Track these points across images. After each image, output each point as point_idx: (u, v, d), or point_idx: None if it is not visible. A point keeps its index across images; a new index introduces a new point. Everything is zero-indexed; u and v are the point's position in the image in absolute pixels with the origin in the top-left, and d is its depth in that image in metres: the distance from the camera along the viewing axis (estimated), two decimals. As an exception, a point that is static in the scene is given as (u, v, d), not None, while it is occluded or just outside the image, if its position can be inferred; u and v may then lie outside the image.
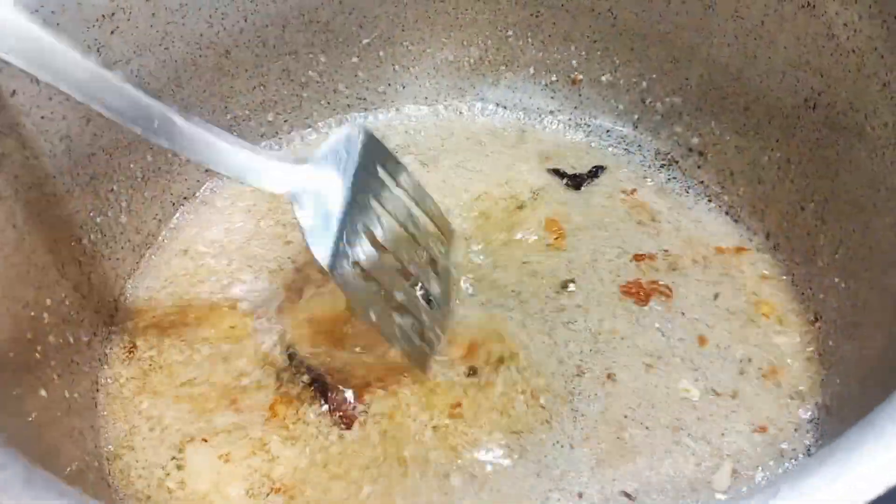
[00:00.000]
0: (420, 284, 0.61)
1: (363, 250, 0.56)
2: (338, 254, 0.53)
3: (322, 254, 0.52)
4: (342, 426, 0.57)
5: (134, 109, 0.49)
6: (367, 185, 0.57)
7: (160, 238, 0.69)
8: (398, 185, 0.61)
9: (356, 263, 0.55)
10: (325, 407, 0.58)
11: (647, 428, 0.58)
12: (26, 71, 0.45)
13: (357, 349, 0.61)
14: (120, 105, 0.48)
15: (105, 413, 0.59)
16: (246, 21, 0.69)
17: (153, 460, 0.56)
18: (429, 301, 0.62)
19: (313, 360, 0.61)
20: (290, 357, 0.61)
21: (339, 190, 0.55)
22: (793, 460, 0.56)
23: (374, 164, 0.58)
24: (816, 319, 0.62)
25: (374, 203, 0.58)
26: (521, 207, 0.71)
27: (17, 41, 0.45)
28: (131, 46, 0.61)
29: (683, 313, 0.64)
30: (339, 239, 0.53)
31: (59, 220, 0.57)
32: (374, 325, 0.56)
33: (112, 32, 0.59)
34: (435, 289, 0.62)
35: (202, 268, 0.67)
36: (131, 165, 0.65)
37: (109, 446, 0.57)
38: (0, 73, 0.50)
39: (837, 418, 0.56)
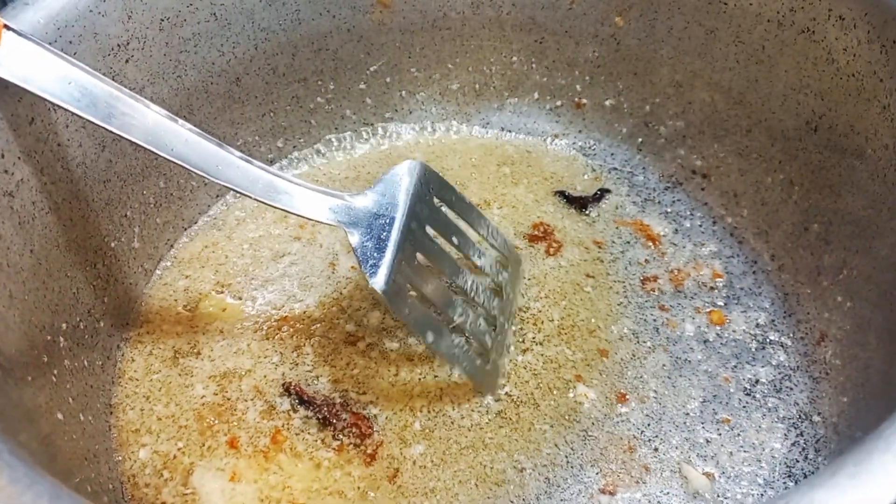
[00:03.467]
0: (480, 307, 0.61)
1: (419, 275, 0.56)
2: (392, 279, 0.53)
3: (375, 278, 0.53)
4: (357, 448, 0.58)
5: (198, 155, 0.52)
6: (423, 214, 0.58)
7: (170, 261, 0.70)
8: (455, 213, 0.62)
9: (411, 286, 0.55)
10: (334, 431, 0.59)
11: (655, 449, 0.58)
12: (102, 126, 0.50)
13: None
14: (185, 152, 0.52)
15: (116, 436, 0.59)
16: (257, 49, 0.70)
17: (165, 484, 0.57)
18: (492, 324, 0.62)
19: (319, 389, 0.61)
20: (288, 389, 0.61)
21: (393, 218, 0.56)
22: (804, 479, 0.57)
23: (429, 194, 0.59)
24: (822, 339, 0.62)
25: (430, 230, 0.58)
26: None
27: (92, 99, 0.49)
28: (145, 74, 0.62)
29: (690, 335, 0.65)
30: (393, 264, 0.54)
31: (74, 245, 0.58)
32: (430, 347, 0.56)
33: (127, 61, 0.60)
34: (495, 312, 0.62)
35: (208, 289, 0.67)
36: (144, 192, 0.66)
37: (121, 469, 0.58)
38: (19, 102, 0.51)
39: (846, 436, 0.56)
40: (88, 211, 0.59)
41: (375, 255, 0.54)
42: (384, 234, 0.55)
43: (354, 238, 0.55)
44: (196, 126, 0.68)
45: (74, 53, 0.56)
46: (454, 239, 0.61)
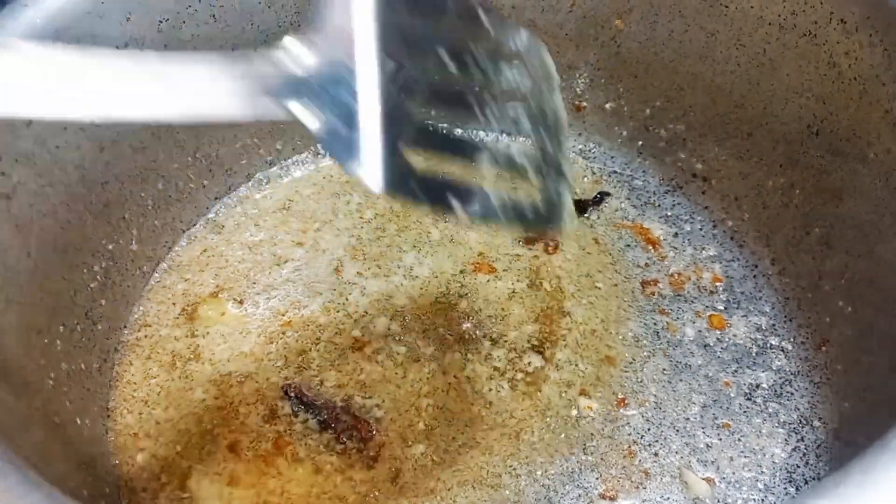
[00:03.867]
0: (511, 135, 0.46)
1: (418, 135, 0.41)
2: (387, 164, 0.38)
3: (371, 175, 0.38)
4: (360, 453, 0.58)
5: None
6: (398, 33, 0.40)
7: (169, 264, 0.69)
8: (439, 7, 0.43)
9: (412, 154, 0.40)
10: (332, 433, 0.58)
11: (655, 454, 0.58)
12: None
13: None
14: None
15: (113, 440, 0.59)
16: (256, 52, 0.70)
17: (162, 488, 0.56)
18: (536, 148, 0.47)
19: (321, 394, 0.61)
20: (287, 391, 0.61)
21: (358, 62, 0.38)
22: (804, 485, 0.56)
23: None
24: (823, 343, 0.62)
25: (415, 57, 0.41)
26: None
27: None
28: (144, 76, 0.62)
29: (690, 339, 0.64)
30: (386, 139, 0.38)
31: (72, 248, 0.57)
32: (470, 219, 0.42)
33: (125, 63, 0.60)
34: (534, 132, 0.46)
35: (208, 293, 0.67)
36: (142, 194, 0.65)
37: (118, 474, 0.57)
38: (17, 104, 0.51)
39: (847, 442, 0.56)
40: (86, 214, 0.59)
41: (349, 132, 0.37)
42: (358, 96, 0.38)
43: (313, 122, 0.37)
44: (194, 126, 0.69)
45: (73, 55, 0.55)
46: (448, 50, 0.42)
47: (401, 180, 0.39)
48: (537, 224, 0.47)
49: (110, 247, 0.62)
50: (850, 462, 0.32)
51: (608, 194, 0.75)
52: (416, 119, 0.41)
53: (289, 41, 0.37)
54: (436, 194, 0.41)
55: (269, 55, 0.37)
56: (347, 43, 0.37)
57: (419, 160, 0.41)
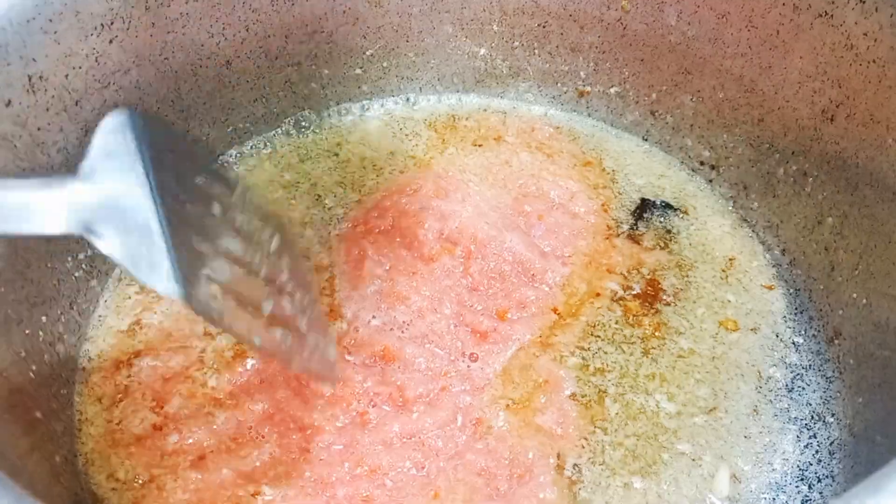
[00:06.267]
0: (285, 286, 0.50)
1: (208, 263, 0.44)
2: (185, 277, 0.41)
3: (165, 283, 0.40)
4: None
5: None
6: (171, 184, 0.43)
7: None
8: (199, 176, 0.47)
9: (209, 280, 0.44)
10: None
11: (667, 446, 0.56)
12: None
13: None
14: None
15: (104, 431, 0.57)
16: (248, 31, 0.67)
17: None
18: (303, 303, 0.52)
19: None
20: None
21: (141, 199, 0.41)
22: (816, 483, 0.54)
23: (166, 155, 0.43)
24: (835, 337, 0.60)
25: (190, 207, 0.45)
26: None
27: None
28: (130, 56, 0.59)
29: (701, 328, 0.62)
30: (177, 257, 0.41)
31: (54, 236, 0.55)
32: (265, 351, 0.48)
33: (111, 42, 0.57)
34: (300, 289, 0.51)
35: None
36: (129, 179, 0.63)
37: (93, 479, 0.54)
38: (-5, 83, 0.48)
39: (862, 438, 0.54)
40: (70, 199, 0.56)
41: (146, 255, 0.40)
42: (142, 222, 0.40)
43: (103, 243, 0.40)
44: (184, 111, 0.66)
45: (55, 32, 0.53)
46: (216, 211, 0.47)
47: (201, 297, 0.42)
48: (317, 371, 0.52)
49: (95, 235, 0.60)
50: (887, 465, 0.30)
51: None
52: (200, 250, 0.44)
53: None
54: (239, 324, 0.45)
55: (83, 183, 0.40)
56: (127, 174, 0.41)
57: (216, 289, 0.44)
